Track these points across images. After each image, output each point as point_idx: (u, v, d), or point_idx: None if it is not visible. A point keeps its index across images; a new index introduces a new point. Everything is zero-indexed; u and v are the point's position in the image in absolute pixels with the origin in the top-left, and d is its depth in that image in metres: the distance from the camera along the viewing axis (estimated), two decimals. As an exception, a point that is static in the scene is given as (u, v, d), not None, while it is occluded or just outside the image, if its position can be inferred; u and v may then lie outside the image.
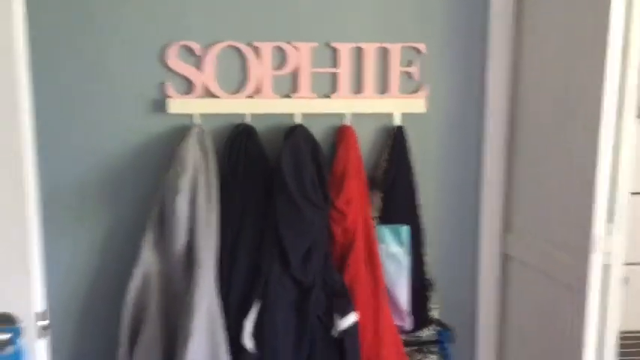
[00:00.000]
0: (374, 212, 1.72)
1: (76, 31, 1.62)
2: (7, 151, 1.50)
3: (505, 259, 1.86)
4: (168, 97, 1.65)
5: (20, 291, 1.48)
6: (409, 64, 1.73)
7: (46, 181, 1.65)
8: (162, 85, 1.65)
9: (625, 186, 1.45)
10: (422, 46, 1.73)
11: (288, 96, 1.70)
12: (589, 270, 1.43)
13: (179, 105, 1.65)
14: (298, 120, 1.69)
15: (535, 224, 1.69)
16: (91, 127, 1.66)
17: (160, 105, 1.66)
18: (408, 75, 1.74)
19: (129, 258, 1.64)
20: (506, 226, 1.84)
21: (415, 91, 1.75)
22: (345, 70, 1.70)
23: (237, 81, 1.68)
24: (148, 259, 1.61)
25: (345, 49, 1.69)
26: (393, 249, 1.71)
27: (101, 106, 1.65)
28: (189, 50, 1.65)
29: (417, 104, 1.74)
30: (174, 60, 1.64)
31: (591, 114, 1.40)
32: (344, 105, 1.71)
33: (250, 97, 1.68)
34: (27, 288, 1.50)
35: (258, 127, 1.67)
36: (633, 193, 1.59)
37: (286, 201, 1.58)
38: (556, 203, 1.58)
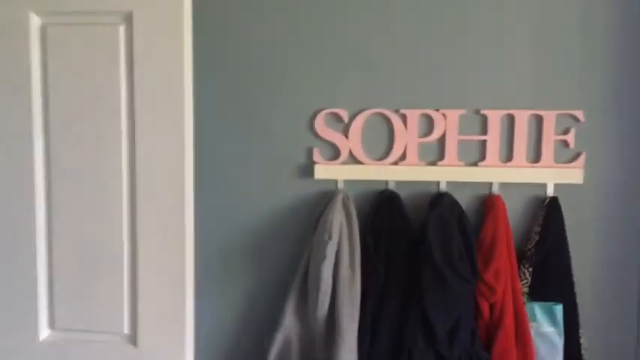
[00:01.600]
0: (523, 288, 1.61)
1: (240, 97, 1.71)
2: (171, 216, 1.61)
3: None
4: (315, 162, 1.68)
5: (175, 342, 1.57)
6: (565, 131, 1.64)
7: (198, 245, 1.72)
8: (309, 151, 1.69)
9: None
10: (580, 114, 1.63)
11: (433, 163, 1.67)
12: None
13: (325, 171, 1.67)
14: (443, 188, 1.65)
15: None
16: (242, 191, 1.72)
17: (306, 170, 1.69)
18: (564, 143, 1.64)
19: (271, 321, 1.65)
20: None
21: (571, 160, 1.64)
22: (494, 138, 1.64)
23: (383, 148, 1.68)
24: (289, 324, 1.61)
25: (495, 116, 1.64)
26: (545, 329, 1.59)
27: (253, 170, 1.72)
28: (337, 117, 1.68)
29: (573, 174, 1.62)
30: (322, 127, 1.68)
31: None
32: (492, 173, 1.64)
33: (395, 163, 1.67)
34: (181, 341, 1.59)
35: (402, 194, 1.65)
36: None
37: (433, 273, 1.52)
38: None
